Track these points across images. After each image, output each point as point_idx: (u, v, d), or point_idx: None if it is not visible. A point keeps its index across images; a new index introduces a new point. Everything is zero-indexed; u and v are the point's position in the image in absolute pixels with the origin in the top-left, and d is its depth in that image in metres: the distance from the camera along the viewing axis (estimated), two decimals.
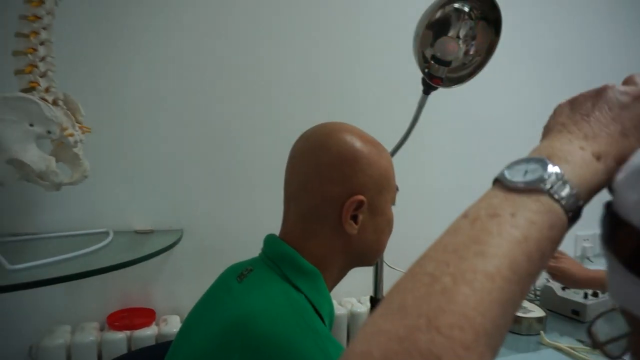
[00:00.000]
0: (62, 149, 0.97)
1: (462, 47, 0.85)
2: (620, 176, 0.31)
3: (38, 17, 0.87)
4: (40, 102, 0.87)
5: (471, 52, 0.86)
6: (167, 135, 1.22)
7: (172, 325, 1.16)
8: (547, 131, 0.36)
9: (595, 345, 0.36)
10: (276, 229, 0.70)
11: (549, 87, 1.66)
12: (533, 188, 0.29)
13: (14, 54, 0.88)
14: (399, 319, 0.24)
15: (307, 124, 0.70)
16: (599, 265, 1.79)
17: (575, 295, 1.40)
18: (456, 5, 0.82)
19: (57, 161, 0.94)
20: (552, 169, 0.30)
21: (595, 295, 1.35)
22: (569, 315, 1.37)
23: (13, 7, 0.88)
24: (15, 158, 0.85)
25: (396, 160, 0.77)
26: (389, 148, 0.79)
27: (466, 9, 0.83)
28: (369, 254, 0.70)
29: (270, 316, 0.56)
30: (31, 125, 0.86)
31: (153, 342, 1.11)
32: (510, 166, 0.31)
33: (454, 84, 0.90)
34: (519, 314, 1.28)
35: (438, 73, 0.85)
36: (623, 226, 0.30)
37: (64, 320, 1.13)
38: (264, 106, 1.31)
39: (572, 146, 0.32)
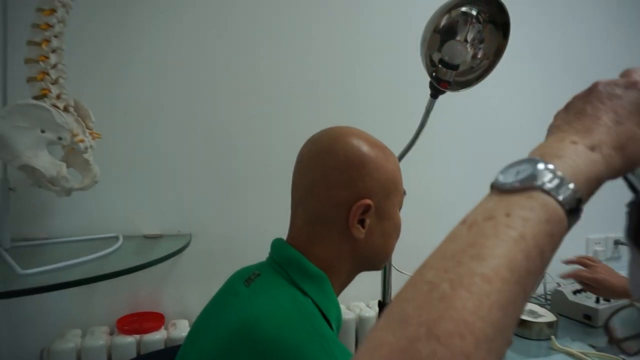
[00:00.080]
0: (72, 154, 0.98)
1: (470, 50, 0.85)
2: None
3: (50, 25, 0.89)
4: (52, 109, 0.88)
5: (479, 56, 0.86)
6: (175, 141, 1.23)
7: (181, 329, 1.16)
8: (547, 136, 0.36)
9: (612, 341, 0.36)
10: (284, 233, 0.70)
11: (559, 91, 1.64)
12: (525, 186, 0.29)
13: (26, 61, 0.89)
14: (400, 330, 0.24)
15: (315, 128, 0.71)
16: None
17: (587, 299, 1.38)
18: (463, 9, 0.82)
19: (67, 167, 0.95)
20: (542, 165, 0.30)
21: (607, 299, 1.34)
22: (581, 320, 1.35)
23: (26, 16, 0.90)
24: (27, 164, 0.86)
25: (404, 164, 0.77)
26: (397, 152, 0.79)
27: (474, 13, 0.82)
28: (377, 258, 0.69)
29: (277, 320, 0.56)
30: (43, 131, 0.87)
31: (162, 346, 1.12)
32: (503, 170, 0.31)
33: (462, 88, 0.90)
34: (530, 318, 1.26)
35: (446, 77, 0.85)
36: None
37: (75, 324, 1.14)
38: (273, 111, 1.31)
39: (563, 143, 0.32)
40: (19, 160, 0.85)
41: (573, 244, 1.76)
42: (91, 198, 1.10)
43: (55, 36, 0.90)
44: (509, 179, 0.30)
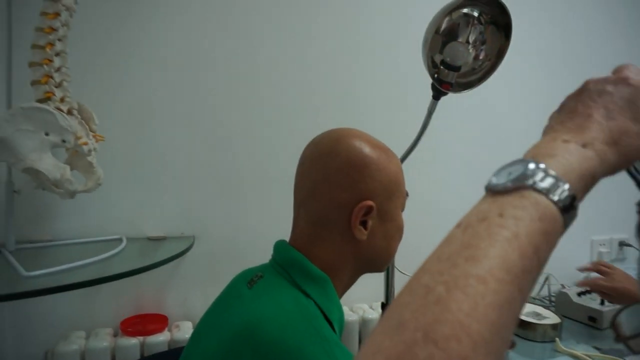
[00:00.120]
0: (76, 157, 0.99)
1: (472, 52, 0.84)
2: None
3: (53, 29, 0.90)
4: (56, 112, 0.89)
5: (481, 57, 0.86)
6: (179, 143, 1.23)
7: (184, 331, 1.16)
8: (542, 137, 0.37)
9: (619, 338, 0.36)
10: (287, 235, 0.70)
11: (563, 92, 1.64)
12: (517, 186, 0.29)
13: (30, 65, 0.90)
14: (397, 335, 0.24)
15: (318, 129, 0.71)
16: None
17: (591, 301, 1.38)
18: (465, 10, 0.82)
19: (71, 169, 0.96)
20: (534, 165, 0.30)
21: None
22: (586, 322, 1.34)
23: (30, 19, 0.91)
24: (31, 167, 0.86)
25: (406, 165, 0.77)
26: (399, 154, 0.79)
27: (475, 14, 0.82)
28: (379, 260, 0.69)
29: (279, 322, 0.56)
30: (47, 134, 0.88)
31: (165, 348, 1.12)
32: (496, 172, 0.32)
33: (464, 89, 0.90)
34: (534, 320, 1.26)
35: (447, 78, 0.85)
36: None
37: (79, 325, 1.14)
38: (276, 113, 1.32)
39: (555, 142, 0.33)
40: (23, 163, 0.85)
41: (577, 246, 1.76)
42: (95, 200, 1.10)
43: (59, 39, 0.91)
44: (501, 180, 0.30)
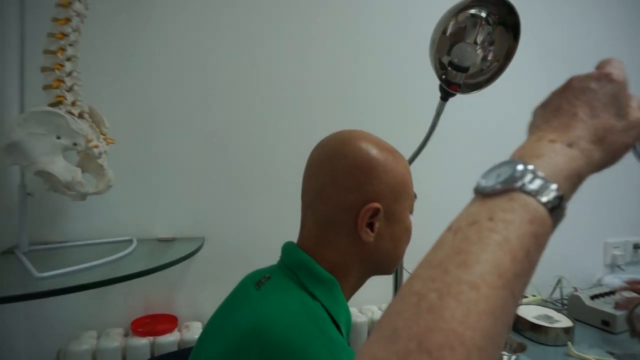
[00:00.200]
0: (87, 160, 1.00)
1: (480, 52, 0.84)
2: None
3: (65, 35, 0.91)
4: (67, 116, 0.90)
5: (489, 58, 0.85)
6: (188, 145, 1.24)
7: (194, 331, 1.17)
8: (528, 135, 0.37)
9: (635, 333, 0.36)
10: (295, 237, 0.70)
11: None
12: (506, 188, 0.29)
13: (42, 70, 0.91)
14: (391, 344, 0.24)
15: (327, 131, 0.71)
16: (631, 273, 1.72)
17: (605, 305, 1.35)
18: (473, 11, 0.81)
19: (82, 172, 0.97)
20: (521, 166, 0.30)
21: None
22: (599, 326, 1.32)
23: (42, 26, 0.93)
24: (44, 170, 0.88)
25: (414, 167, 0.77)
26: (407, 155, 0.79)
27: (483, 15, 0.82)
28: (387, 262, 0.69)
29: (285, 324, 0.56)
30: (58, 137, 0.89)
31: (175, 348, 1.13)
32: (485, 174, 0.31)
33: (472, 90, 0.89)
34: (545, 323, 1.24)
35: (455, 79, 0.85)
36: None
37: (90, 325, 1.16)
38: (286, 115, 1.32)
39: (541, 142, 0.33)
40: (35, 166, 0.87)
41: (591, 248, 1.73)
42: (106, 202, 1.12)
43: (70, 45, 0.93)
44: (490, 182, 0.30)
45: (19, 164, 0.88)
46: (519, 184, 0.29)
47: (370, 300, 1.37)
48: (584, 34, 1.70)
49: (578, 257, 1.68)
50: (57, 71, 0.91)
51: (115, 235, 1.17)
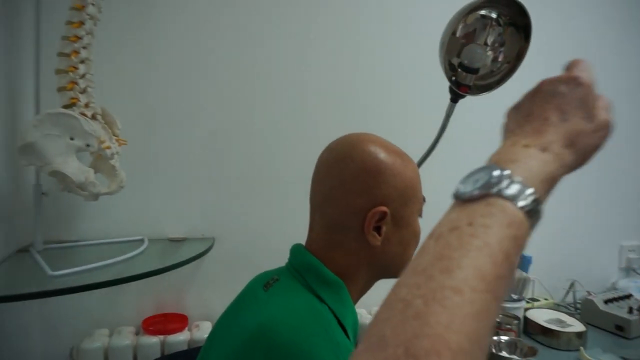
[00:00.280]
0: (100, 160, 1.02)
1: (490, 54, 0.83)
2: None
3: (78, 38, 0.93)
4: (80, 117, 0.92)
5: (500, 59, 0.84)
6: (199, 147, 1.26)
7: (204, 331, 1.18)
8: (502, 139, 0.38)
9: None
10: (305, 238, 0.70)
11: None
12: (483, 194, 0.30)
13: (57, 72, 0.93)
14: (379, 352, 0.24)
15: (338, 133, 0.70)
16: None
17: (619, 309, 1.33)
18: (483, 12, 0.80)
19: (95, 172, 0.99)
20: (497, 171, 0.31)
21: None
22: (612, 331, 1.30)
23: (57, 29, 0.94)
24: (57, 170, 0.90)
25: (423, 170, 0.76)
26: (416, 158, 0.78)
27: (494, 15, 0.81)
28: (394, 266, 0.69)
29: (291, 325, 0.56)
30: (72, 139, 0.91)
31: (185, 347, 1.14)
32: (463, 180, 0.32)
33: (483, 92, 0.88)
34: (558, 327, 1.23)
35: (466, 81, 0.84)
36: None
37: (103, 324, 1.18)
38: (297, 117, 1.33)
39: (516, 147, 0.34)
40: (49, 166, 0.89)
41: (606, 251, 1.70)
42: (118, 202, 1.13)
43: (84, 47, 0.94)
44: (467, 188, 0.31)
45: (34, 165, 0.90)
46: (496, 189, 0.30)
47: (379, 303, 1.36)
48: (599, 37, 1.67)
49: (592, 260, 1.65)
50: (71, 73, 0.93)
51: (127, 235, 1.19)
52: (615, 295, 1.44)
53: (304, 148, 1.28)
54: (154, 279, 0.98)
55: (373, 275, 0.68)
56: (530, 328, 1.28)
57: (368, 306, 1.37)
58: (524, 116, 0.37)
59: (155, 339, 1.13)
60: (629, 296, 1.43)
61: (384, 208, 0.62)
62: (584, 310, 1.40)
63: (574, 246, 1.61)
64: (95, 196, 0.99)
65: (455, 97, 0.88)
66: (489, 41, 0.82)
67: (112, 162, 1.01)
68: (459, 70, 0.84)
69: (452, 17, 0.80)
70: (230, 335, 0.63)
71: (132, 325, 1.19)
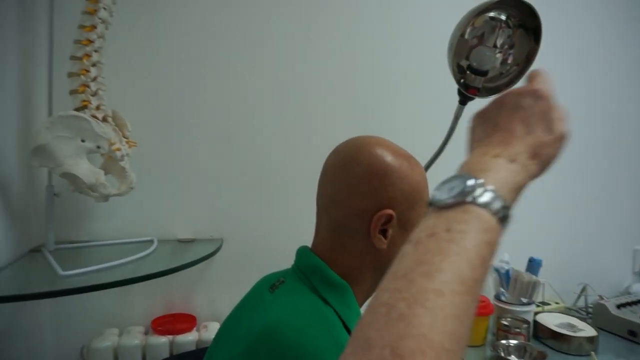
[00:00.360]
0: (110, 162, 1.04)
1: (499, 56, 0.82)
2: None
3: (90, 41, 0.94)
4: (91, 120, 0.93)
5: (509, 61, 0.83)
6: (208, 149, 1.27)
7: (212, 331, 1.19)
8: (470, 147, 0.40)
9: None
10: (312, 240, 0.71)
11: (595, 97, 1.57)
12: (459, 201, 0.31)
13: (69, 75, 0.95)
14: (365, 354, 0.25)
15: (345, 135, 0.71)
16: None
17: (632, 314, 1.31)
18: (492, 14, 0.79)
19: (105, 174, 1.00)
20: (471, 181, 0.32)
21: None
22: (625, 336, 1.28)
23: (70, 32, 0.96)
24: (69, 172, 0.91)
25: (431, 174, 0.76)
26: (423, 162, 0.78)
27: (503, 17, 0.80)
28: None
29: (297, 328, 0.56)
30: (83, 141, 0.92)
31: (193, 347, 1.15)
32: (438, 187, 0.34)
33: (491, 94, 0.87)
34: (568, 332, 1.21)
35: (474, 83, 0.83)
36: None
37: (112, 323, 1.19)
38: (305, 119, 1.33)
39: (486, 157, 0.36)
40: (60, 168, 0.90)
41: (618, 256, 1.67)
42: (128, 203, 1.15)
43: (96, 51, 0.96)
44: (443, 195, 0.33)
45: (46, 166, 0.92)
46: (470, 197, 0.32)
47: None
48: (604, 37, 1.65)
49: (605, 264, 1.63)
50: (82, 76, 0.94)
51: (137, 235, 1.20)
52: (629, 299, 1.42)
53: (311, 150, 1.28)
54: (163, 279, 0.99)
55: (379, 278, 0.67)
56: (540, 332, 1.26)
57: None
58: (491, 126, 0.39)
59: (164, 339, 1.14)
60: None
61: (390, 211, 0.62)
62: (595, 314, 1.38)
63: (585, 249, 1.59)
64: (106, 197, 1.00)
65: (463, 100, 0.87)
66: (498, 43, 0.81)
67: (122, 163, 1.02)
68: (468, 72, 0.83)
69: (460, 19, 0.80)
70: (236, 337, 0.63)
71: (142, 325, 1.21)
